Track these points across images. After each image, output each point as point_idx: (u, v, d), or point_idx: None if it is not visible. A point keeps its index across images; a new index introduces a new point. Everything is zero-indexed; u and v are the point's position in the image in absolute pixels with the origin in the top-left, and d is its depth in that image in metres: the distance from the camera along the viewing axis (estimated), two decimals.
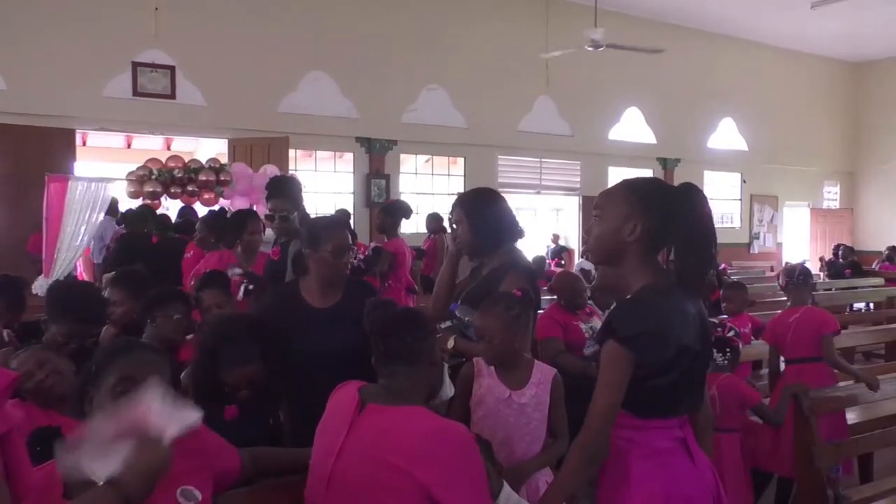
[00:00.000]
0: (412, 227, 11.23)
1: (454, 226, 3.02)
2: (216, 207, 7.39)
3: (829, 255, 13.43)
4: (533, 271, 3.01)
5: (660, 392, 1.80)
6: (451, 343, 2.61)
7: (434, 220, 9.28)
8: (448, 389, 2.15)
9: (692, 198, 1.88)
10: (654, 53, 10.49)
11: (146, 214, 7.22)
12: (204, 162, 8.78)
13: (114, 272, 3.96)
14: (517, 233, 3.03)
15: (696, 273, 1.86)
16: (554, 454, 2.43)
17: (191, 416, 1.43)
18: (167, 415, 1.40)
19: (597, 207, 1.95)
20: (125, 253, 6.14)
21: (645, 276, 1.87)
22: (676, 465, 1.83)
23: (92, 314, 2.90)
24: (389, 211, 6.33)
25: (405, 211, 6.49)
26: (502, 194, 3.17)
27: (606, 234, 1.90)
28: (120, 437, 1.34)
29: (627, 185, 1.95)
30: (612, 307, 3.14)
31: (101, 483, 1.31)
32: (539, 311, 4.04)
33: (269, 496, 2.05)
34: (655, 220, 1.86)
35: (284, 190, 4.04)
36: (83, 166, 9.83)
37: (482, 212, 2.95)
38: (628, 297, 1.86)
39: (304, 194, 4.26)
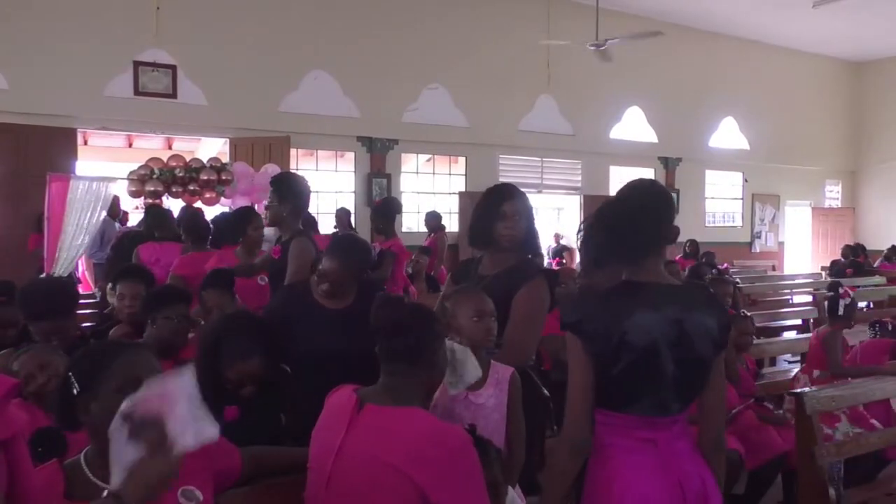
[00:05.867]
0: (413, 226, 11.27)
1: (510, 218, 2.75)
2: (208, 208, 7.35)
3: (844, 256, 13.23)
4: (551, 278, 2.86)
5: (610, 382, 1.87)
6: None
7: (434, 219, 9.26)
8: (470, 375, 2.16)
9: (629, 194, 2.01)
10: (653, 38, 10.28)
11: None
12: (205, 161, 8.80)
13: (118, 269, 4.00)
14: None
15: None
16: (511, 474, 2.25)
17: (209, 431, 1.39)
18: (187, 423, 1.35)
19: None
20: (123, 252, 6.12)
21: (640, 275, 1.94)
22: (633, 462, 1.87)
23: (61, 308, 2.85)
24: (382, 211, 6.31)
25: (396, 207, 6.49)
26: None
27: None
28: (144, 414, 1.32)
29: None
30: None
31: (104, 494, 1.32)
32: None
33: (269, 496, 2.05)
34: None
35: (278, 183, 3.89)
36: (84, 166, 9.82)
37: (531, 211, 2.86)
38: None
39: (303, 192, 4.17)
